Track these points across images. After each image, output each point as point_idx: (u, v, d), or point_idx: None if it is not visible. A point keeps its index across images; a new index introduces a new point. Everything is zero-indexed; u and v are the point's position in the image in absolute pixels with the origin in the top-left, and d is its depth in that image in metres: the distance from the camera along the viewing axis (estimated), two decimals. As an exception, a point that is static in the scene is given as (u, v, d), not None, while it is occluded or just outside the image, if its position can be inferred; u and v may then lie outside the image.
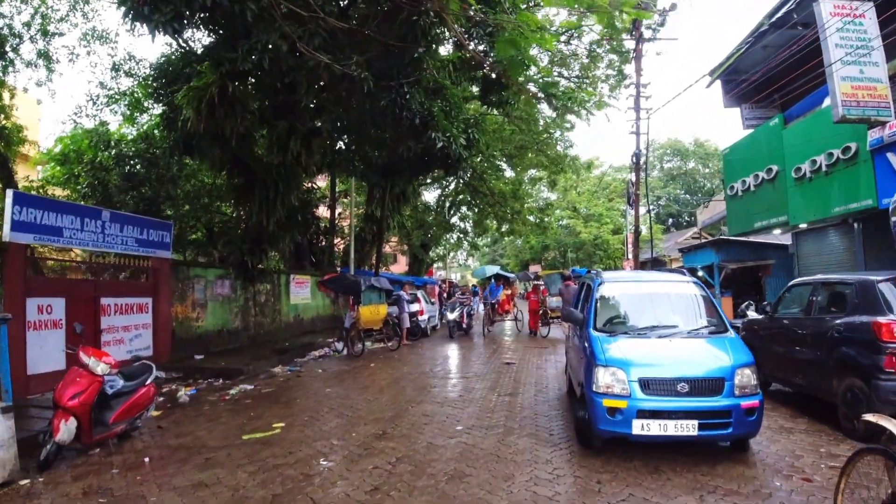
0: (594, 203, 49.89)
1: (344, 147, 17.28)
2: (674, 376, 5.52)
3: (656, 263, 35.16)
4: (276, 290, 20.50)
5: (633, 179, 19.73)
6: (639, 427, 5.41)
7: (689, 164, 61.95)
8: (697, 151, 59.77)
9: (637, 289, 7.20)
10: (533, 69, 13.66)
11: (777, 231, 15.44)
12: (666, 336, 6.19)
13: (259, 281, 19.13)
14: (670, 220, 61.16)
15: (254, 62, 10.56)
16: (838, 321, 6.89)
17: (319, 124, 13.48)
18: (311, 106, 13.01)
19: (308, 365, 14.22)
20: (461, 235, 43.22)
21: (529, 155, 24.92)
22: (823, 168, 11.42)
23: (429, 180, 34.49)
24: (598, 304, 6.75)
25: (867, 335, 6.31)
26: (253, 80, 13.35)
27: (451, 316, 19.84)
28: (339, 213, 36.64)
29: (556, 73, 23.95)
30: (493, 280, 22.58)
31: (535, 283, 22.63)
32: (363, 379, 11.61)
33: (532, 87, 15.34)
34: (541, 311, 19.97)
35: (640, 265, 40.70)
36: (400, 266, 48.08)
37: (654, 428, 5.40)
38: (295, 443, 6.98)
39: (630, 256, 36.12)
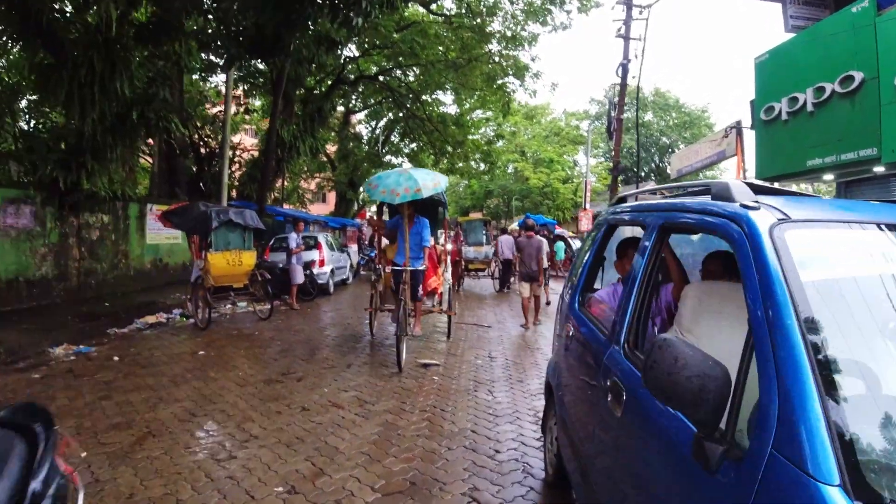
0: (544, 148, 45.29)
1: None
2: None
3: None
4: (121, 223, 14.76)
5: (616, 101, 14.68)
6: None
7: (647, 116, 57.51)
8: (658, 102, 55.30)
9: None
10: None
11: (829, 176, 10.74)
12: None
13: (88, 210, 13.42)
14: (621, 175, 56.97)
15: None
16: None
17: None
18: None
19: (119, 342, 8.89)
20: (394, 172, 37.75)
21: (483, 67, 19.45)
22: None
23: (356, 101, 28.95)
24: (822, 338, 1.39)
25: None
26: None
27: None
28: (253, 141, 31.10)
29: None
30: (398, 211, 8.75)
31: (456, 229, 18.76)
32: (158, 389, 6.25)
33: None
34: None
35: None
36: (329, 206, 42.55)
37: None
38: None
39: (588, 206, 31.79)
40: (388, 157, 34.10)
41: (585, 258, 3.60)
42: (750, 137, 13.02)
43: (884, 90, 8.39)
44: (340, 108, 29.91)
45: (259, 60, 13.33)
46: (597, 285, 3.74)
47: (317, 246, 14.70)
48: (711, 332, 2.30)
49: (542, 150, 45.15)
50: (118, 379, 6.73)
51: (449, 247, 10.06)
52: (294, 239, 12.85)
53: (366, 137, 35.06)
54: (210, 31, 13.59)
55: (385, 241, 9.06)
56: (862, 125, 8.74)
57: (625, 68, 14.14)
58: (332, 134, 30.77)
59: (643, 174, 53.69)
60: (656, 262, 2.39)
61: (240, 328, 10.23)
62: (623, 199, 3.50)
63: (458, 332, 9.73)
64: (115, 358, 7.80)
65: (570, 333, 3.26)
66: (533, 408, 5.61)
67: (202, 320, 10.12)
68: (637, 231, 3.71)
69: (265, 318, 10.92)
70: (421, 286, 8.34)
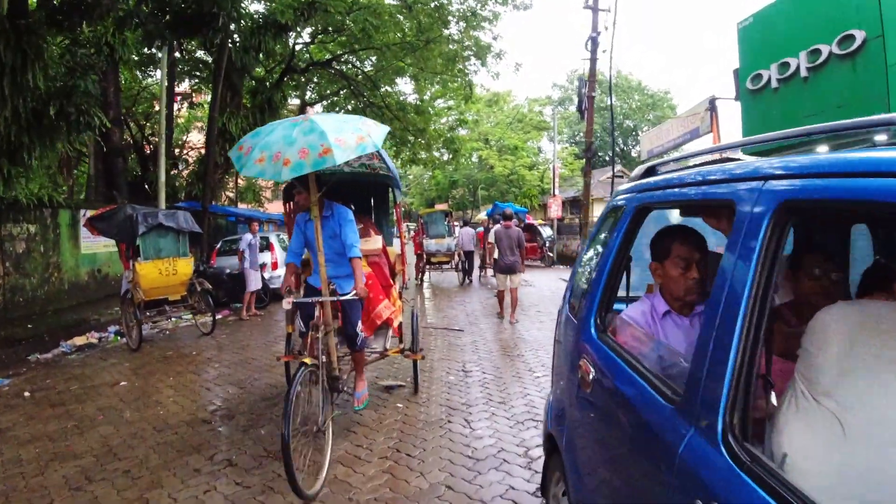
0: (508, 135, 44.38)
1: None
2: None
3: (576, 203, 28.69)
4: (50, 233, 13.30)
5: (587, 79, 13.66)
6: None
7: (610, 100, 56.87)
8: (620, 84, 54.82)
9: None
10: None
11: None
12: None
13: (11, 220, 12.00)
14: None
15: None
16: None
17: None
18: None
19: (39, 371, 7.68)
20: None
21: (443, 47, 18.22)
22: None
23: (312, 92, 27.54)
24: None
25: None
26: None
27: None
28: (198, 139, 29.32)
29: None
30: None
31: (418, 221, 19.06)
32: (58, 439, 4.99)
33: None
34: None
35: (570, 203, 35.90)
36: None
37: None
38: None
39: (557, 192, 30.80)
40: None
41: (600, 259, 2.49)
42: (728, 111, 12.15)
43: (890, 50, 7.51)
44: (296, 101, 28.50)
45: (190, 39, 11.89)
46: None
47: (269, 247, 13.42)
48: (877, 399, 1.23)
49: (505, 136, 44.23)
50: (18, 424, 5.51)
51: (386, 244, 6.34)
52: (246, 240, 11.60)
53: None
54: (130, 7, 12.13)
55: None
56: (865, 89, 7.84)
57: (594, 41, 13.17)
58: (289, 128, 29.31)
59: (606, 159, 53.25)
60: (772, 272, 1.30)
61: (177, 347, 8.96)
62: (653, 170, 2.40)
63: (427, 337, 8.61)
64: (26, 393, 6.57)
65: (591, 377, 2.16)
66: (521, 442, 4.54)
67: (133, 340, 8.84)
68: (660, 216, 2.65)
69: (208, 333, 9.66)
70: (361, 323, 4.80)
